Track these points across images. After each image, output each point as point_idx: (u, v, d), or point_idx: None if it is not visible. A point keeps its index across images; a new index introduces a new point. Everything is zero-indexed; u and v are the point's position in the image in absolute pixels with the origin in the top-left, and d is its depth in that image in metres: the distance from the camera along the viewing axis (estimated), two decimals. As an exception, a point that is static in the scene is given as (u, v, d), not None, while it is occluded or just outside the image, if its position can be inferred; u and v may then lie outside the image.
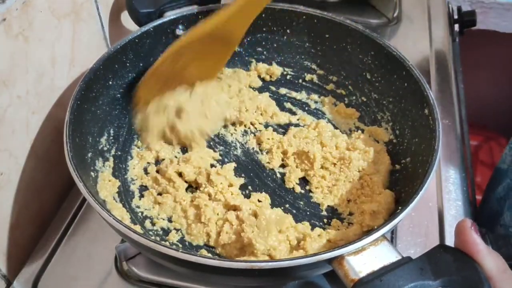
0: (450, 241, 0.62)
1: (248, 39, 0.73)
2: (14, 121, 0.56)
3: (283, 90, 0.75)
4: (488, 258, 0.39)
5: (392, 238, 0.62)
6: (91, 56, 0.69)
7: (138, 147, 0.66)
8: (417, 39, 0.93)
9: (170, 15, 0.67)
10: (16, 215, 0.59)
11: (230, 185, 0.60)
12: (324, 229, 0.56)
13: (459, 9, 1.03)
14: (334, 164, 0.62)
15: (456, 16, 1.02)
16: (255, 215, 0.55)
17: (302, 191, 0.62)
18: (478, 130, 1.48)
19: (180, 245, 0.56)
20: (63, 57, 0.64)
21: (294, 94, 0.74)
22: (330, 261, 0.42)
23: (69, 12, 0.64)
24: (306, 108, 0.73)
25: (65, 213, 0.65)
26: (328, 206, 0.60)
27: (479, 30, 1.28)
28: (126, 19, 0.79)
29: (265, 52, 0.74)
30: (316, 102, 0.73)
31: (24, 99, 0.58)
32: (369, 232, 0.44)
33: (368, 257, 0.41)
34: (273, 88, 0.75)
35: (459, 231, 0.41)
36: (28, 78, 0.58)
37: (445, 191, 0.68)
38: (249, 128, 0.70)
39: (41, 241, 0.62)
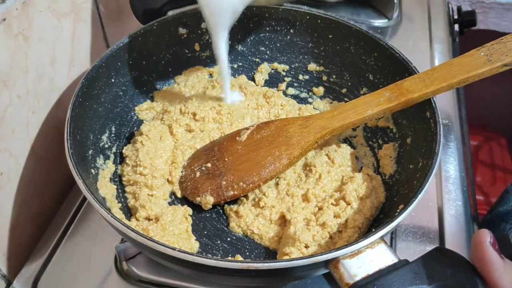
0: (449, 241, 0.62)
1: (251, 38, 0.73)
2: (14, 121, 0.56)
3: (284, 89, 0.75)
4: (504, 277, 0.37)
5: (392, 237, 0.62)
6: (91, 56, 0.69)
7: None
8: (417, 39, 0.93)
9: (173, 13, 0.67)
10: (16, 215, 0.59)
11: None
12: None
13: (459, 9, 1.03)
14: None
15: (456, 16, 1.02)
16: None
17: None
18: (478, 130, 1.48)
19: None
20: (63, 57, 0.64)
21: (295, 93, 0.74)
22: (326, 263, 0.42)
23: (69, 12, 0.64)
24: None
25: (65, 213, 0.65)
26: None
27: (479, 30, 1.27)
28: (127, 19, 0.79)
29: (268, 52, 0.74)
30: (317, 102, 0.73)
31: (24, 99, 0.58)
32: (366, 234, 0.44)
33: (364, 260, 0.41)
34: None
35: (476, 246, 0.39)
36: (28, 78, 0.58)
37: (445, 191, 0.68)
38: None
39: (41, 241, 0.62)
